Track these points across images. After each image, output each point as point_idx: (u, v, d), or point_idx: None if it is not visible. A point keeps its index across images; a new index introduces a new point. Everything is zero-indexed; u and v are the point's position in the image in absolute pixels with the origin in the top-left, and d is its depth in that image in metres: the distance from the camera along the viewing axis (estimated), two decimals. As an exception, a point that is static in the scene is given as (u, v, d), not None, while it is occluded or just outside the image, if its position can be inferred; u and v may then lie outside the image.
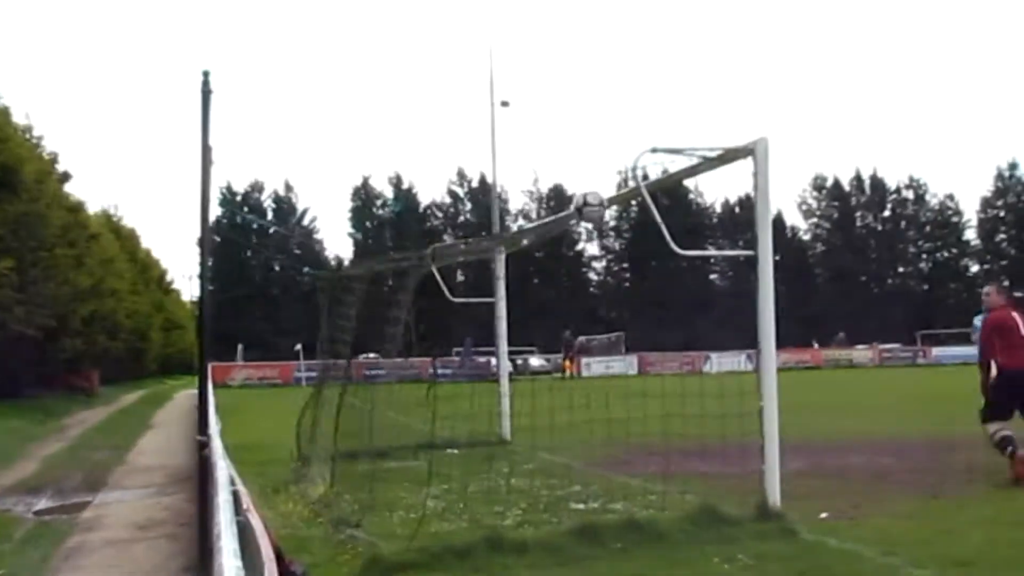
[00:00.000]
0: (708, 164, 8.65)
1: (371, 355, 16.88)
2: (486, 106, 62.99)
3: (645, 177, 8.76)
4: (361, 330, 10.96)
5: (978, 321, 18.43)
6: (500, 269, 16.33)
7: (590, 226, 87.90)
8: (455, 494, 10.17)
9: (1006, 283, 10.04)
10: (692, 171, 8.77)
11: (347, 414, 10.36)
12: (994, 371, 10.77)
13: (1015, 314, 11.00)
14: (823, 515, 8.53)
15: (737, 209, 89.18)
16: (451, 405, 10.03)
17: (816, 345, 64.01)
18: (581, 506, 9.19)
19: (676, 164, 8.57)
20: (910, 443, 14.24)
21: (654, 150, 8.18)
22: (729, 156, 8.44)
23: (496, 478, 10.66)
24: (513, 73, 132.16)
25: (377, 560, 7.15)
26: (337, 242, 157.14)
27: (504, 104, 60.64)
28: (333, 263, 78.69)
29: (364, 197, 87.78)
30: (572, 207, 9.20)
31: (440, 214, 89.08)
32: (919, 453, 13.03)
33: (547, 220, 15.31)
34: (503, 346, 16.63)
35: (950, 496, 9.52)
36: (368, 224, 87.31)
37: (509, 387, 16.12)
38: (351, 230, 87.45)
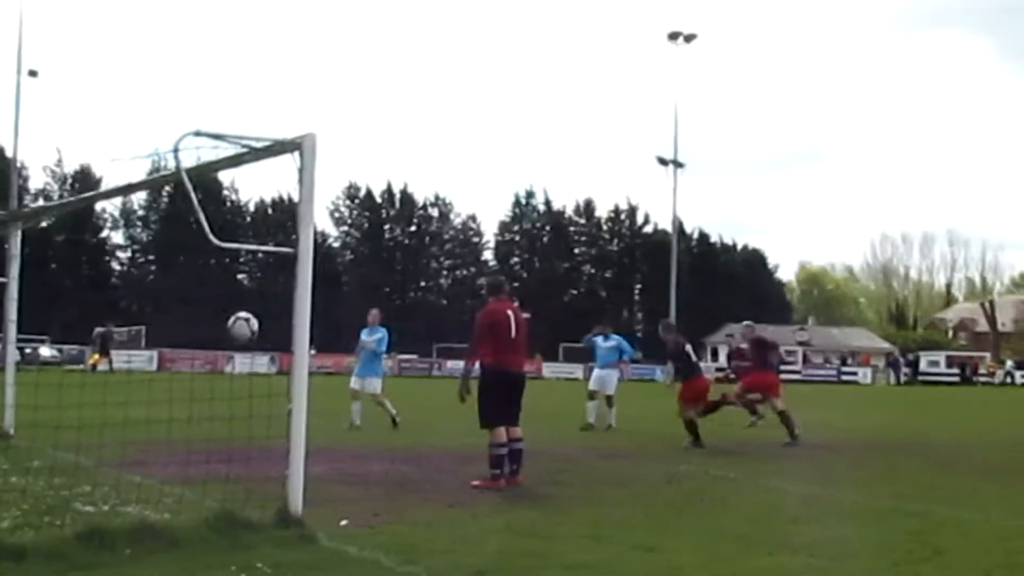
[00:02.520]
0: (253, 155, 8.29)
1: None
2: (11, 74, 58.57)
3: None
4: None
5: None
6: (15, 247, 14.92)
7: (116, 213, 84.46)
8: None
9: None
10: (236, 160, 8.38)
11: None
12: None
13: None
14: (343, 522, 8.43)
15: (271, 210, 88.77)
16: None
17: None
18: (90, 508, 8.46)
19: (219, 152, 8.19)
20: (429, 453, 14.61)
21: (197, 133, 7.74)
22: (276, 148, 8.15)
23: (-8, 476, 9.67)
24: (42, 40, 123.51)
25: None
26: None
27: (32, 74, 56.49)
28: None
29: None
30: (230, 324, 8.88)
31: None
32: (437, 462, 13.39)
33: (70, 200, 14.13)
34: (12, 332, 15.21)
35: (466, 506, 9.76)
36: None
37: (15, 376, 14.77)
38: None
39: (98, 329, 49.25)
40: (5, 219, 14.50)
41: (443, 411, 20.01)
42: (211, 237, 8.00)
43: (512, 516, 9.28)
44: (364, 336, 18.91)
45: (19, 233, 15.00)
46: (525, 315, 12.14)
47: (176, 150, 7.60)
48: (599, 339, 20.63)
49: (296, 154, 8.05)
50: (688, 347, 17.80)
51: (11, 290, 14.97)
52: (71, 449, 10.85)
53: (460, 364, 12.96)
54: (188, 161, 7.93)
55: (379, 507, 9.36)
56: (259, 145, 8.12)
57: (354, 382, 18.85)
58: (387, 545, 7.54)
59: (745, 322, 20.13)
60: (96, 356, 47.05)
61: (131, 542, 7.07)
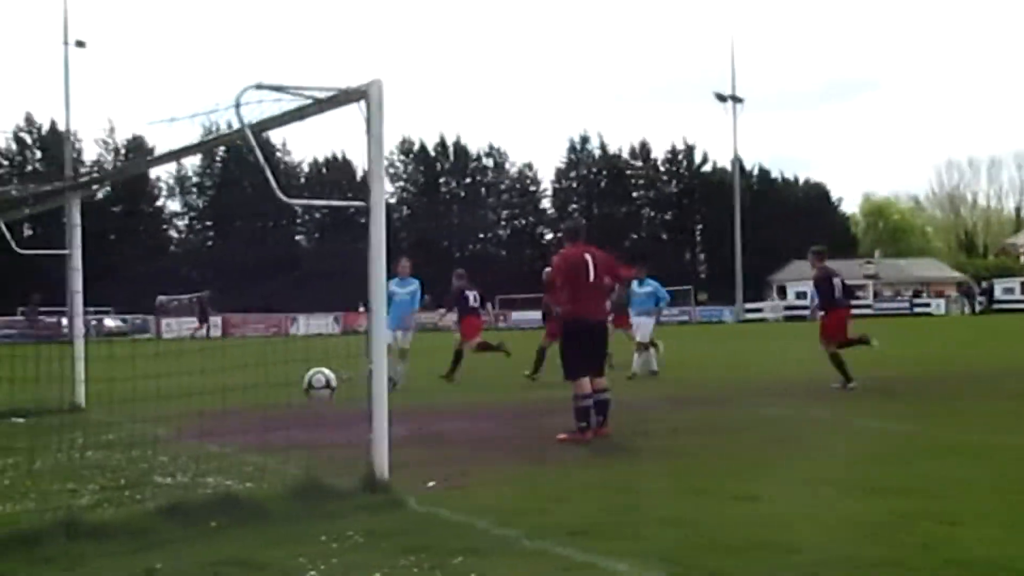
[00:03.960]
0: (317, 106, 7.93)
1: None
2: (59, 45, 58.55)
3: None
4: None
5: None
6: (76, 216, 14.73)
7: (171, 181, 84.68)
8: (20, 470, 8.91)
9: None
10: (300, 113, 8.03)
11: None
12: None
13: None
14: (430, 484, 8.14)
15: (324, 169, 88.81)
16: (15, 369, 8.70)
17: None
18: (170, 480, 8.24)
19: (282, 106, 7.84)
20: (507, 407, 14.31)
21: (259, 86, 7.38)
22: (340, 98, 7.78)
23: (69, 450, 9.47)
24: (89, 10, 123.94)
25: (-80, 554, 5.96)
26: None
27: (80, 44, 56.54)
28: None
29: (-85, 139, 79.51)
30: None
31: (5, 162, 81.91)
32: (517, 417, 13.07)
33: (129, 164, 13.84)
34: (78, 303, 15.05)
35: (554, 461, 9.46)
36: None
37: (85, 349, 14.64)
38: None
39: (196, 295, 49.60)
40: (63, 188, 14.27)
41: (516, 364, 19.64)
42: (279, 194, 7.67)
43: (603, 471, 8.96)
44: (395, 287, 17.93)
45: (78, 202, 14.81)
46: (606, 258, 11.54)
47: (238, 104, 7.25)
48: (634, 284, 19.89)
49: (362, 103, 7.68)
50: (837, 279, 17.05)
51: (74, 259, 14.80)
52: (146, 420, 10.68)
53: (524, 315, 12.56)
54: (251, 116, 7.57)
55: (465, 467, 9.06)
56: (323, 96, 7.76)
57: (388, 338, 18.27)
58: (479, 507, 7.25)
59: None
60: (200, 324, 47.51)
61: (215, 514, 6.82)
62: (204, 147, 9.03)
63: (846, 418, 12.37)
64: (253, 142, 7.54)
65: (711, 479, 8.29)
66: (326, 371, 8.89)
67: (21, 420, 11.94)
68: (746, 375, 17.87)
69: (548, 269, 14.05)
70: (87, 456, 9.27)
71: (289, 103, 7.82)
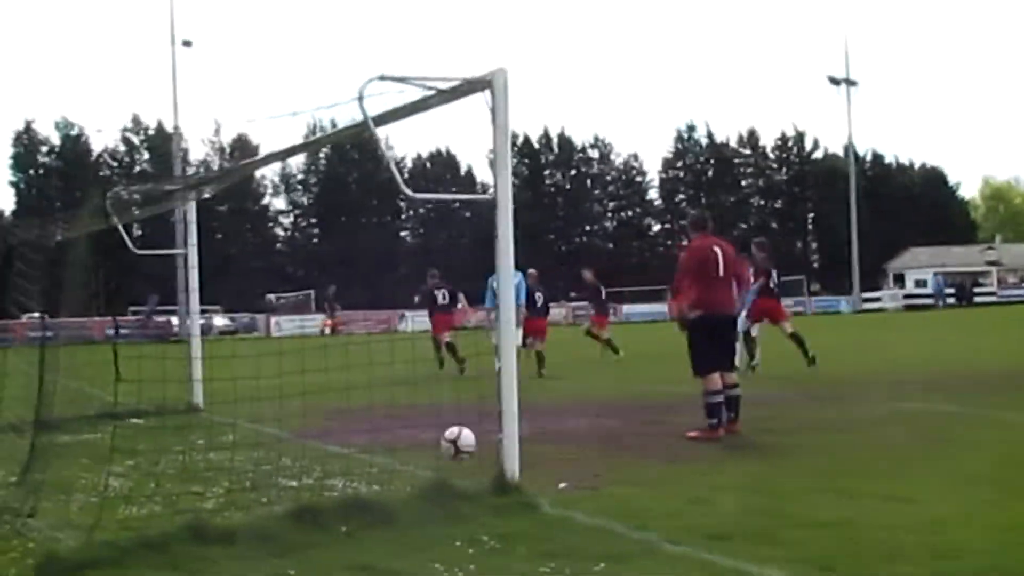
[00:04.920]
0: (440, 97, 7.69)
1: (35, 315, 14.89)
2: (165, 45, 58.81)
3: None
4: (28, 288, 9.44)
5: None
6: (191, 213, 14.71)
7: (276, 179, 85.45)
8: (143, 472, 8.84)
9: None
10: (423, 104, 7.79)
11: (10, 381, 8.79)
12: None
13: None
14: (562, 485, 7.85)
15: (428, 164, 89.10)
16: (134, 369, 8.59)
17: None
18: (295, 483, 8.05)
19: (405, 97, 7.61)
20: (631, 404, 13.94)
21: (382, 77, 7.16)
22: (464, 88, 7.53)
23: (191, 452, 9.36)
24: (195, 10, 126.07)
25: (53, 558, 5.83)
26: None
27: (187, 44, 57.00)
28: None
29: (27, 142, 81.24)
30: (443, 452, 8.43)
31: (114, 162, 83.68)
32: (643, 414, 12.69)
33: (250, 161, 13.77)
34: (194, 301, 15.02)
35: (687, 460, 9.10)
36: (32, 172, 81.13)
37: (201, 348, 14.64)
38: (12, 178, 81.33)
39: (330, 289, 49.79)
40: (177, 188, 14.27)
41: (633, 359, 19.27)
42: (404, 189, 7.49)
43: (739, 470, 8.57)
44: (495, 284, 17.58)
45: (194, 202, 14.69)
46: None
47: (361, 97, 7.04)
48: None
49: (487, 93, 7.42)
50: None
51: (190, 256, 14.78)
52: (266, 420, 10.54)
53: (634, 308, 12.18)
54: (373, 110, 7.36)
55: (596, 467, 8.75)
56: (446, 86, 7.51)
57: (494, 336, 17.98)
58: (614, 509, 6.95)
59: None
60: (329, 320, 47.86)
61: (344, 519, 6.62)
62: (326, 141, 8.76)
63: (990, 414, 11.75)
64: (377, 135, 7.33)
65: (857, 478, 7.87)
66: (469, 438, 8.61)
67: (140, 421, 11.88)
68: (874, 367, 17.21)
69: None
70: (210, 458, 9.12)
71: (412, 95, 7.59)
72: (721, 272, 10.55)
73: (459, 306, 22.02)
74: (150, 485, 8.14)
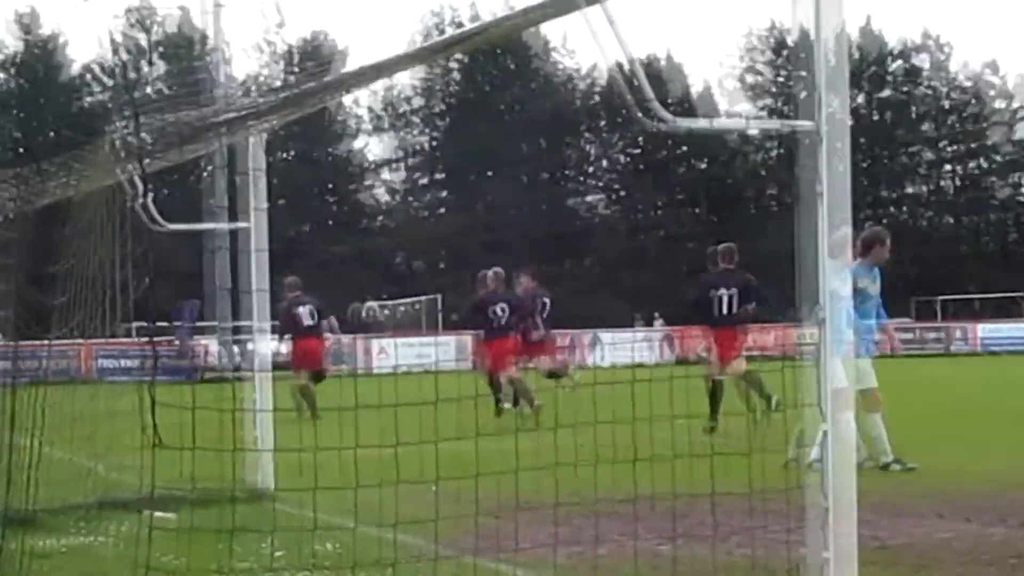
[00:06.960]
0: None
1: None
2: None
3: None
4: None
5: None
6: (260, 158, 8.84)
7: (375, 107, 51.44)
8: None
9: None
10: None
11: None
12: None
13: None
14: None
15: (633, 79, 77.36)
16: (175, 432, 4.80)
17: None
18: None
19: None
20: (1005, 503, 8.54)
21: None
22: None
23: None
24: None
25: None
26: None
27: None
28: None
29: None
30: None
31: (108, 80, 54.88)
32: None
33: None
34: (263, 310, 9.09)
35: None
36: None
37: (271, 389, 9.13)
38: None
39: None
40: (218, 121, 7.46)
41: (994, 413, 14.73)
42: (660, 110, 4.08)
43: None
44: (862, 274, 9.46)
45: (263, 139, 8.86)
46: None
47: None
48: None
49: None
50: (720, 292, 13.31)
51: (259, 238, 9.03)
52: (386, 518, 5.71)
53: (995, 329, 8.18)
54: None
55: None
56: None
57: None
58: None
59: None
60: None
61: None
62: (459, 44, 5.11)
63: None
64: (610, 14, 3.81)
65: None
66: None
67: (172, 516, 7.06)
68: None
69: None
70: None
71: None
72: None
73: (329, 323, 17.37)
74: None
